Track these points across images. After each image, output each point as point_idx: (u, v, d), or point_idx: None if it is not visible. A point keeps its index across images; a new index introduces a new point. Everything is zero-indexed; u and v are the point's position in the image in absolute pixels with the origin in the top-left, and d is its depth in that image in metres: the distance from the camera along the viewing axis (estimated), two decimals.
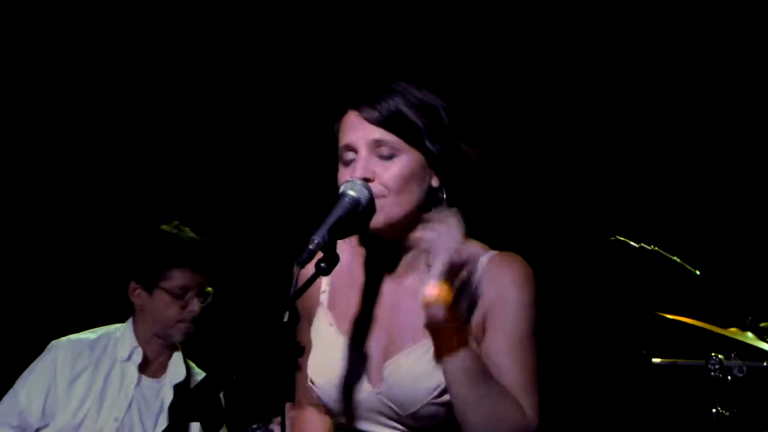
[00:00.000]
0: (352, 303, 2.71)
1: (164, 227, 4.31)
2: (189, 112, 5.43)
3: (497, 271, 2.63)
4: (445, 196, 2.66)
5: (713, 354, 4.21)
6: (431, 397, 2.61)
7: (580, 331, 5.14)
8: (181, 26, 5.39)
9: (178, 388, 4.21)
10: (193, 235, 4.30)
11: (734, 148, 5.19)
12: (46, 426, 4.22)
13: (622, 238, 4.32)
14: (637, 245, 4.31)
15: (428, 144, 2.63)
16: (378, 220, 2.62)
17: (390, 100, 2.62)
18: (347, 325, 2.70)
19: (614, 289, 5.02)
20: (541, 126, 5.27)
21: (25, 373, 4.29)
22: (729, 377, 4.21)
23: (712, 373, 4.20)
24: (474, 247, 2.55)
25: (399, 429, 2.67)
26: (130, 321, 4.33)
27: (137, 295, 4.28)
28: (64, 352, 4.27)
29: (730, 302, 4.80)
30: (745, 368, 4.21)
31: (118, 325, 4.37)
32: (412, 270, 2.67)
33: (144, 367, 4.31)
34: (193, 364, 4.41)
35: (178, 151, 5.44)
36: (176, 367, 4.33)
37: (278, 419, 3.95)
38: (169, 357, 4.34)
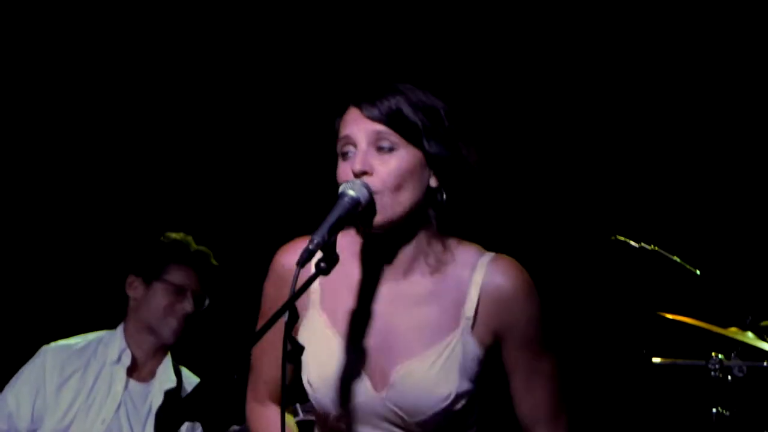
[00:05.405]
0: (349, 304, 2.68)
1: (171, 233, 4.40)
2: (190, 114, 5.42)
3: (504, 279, 2.65)
4: (444, 196, 2.66)
5: (713, 354, 4.21)
6: (444, 405, 2.61)
7: (580, 331, 5.14)
8: (179, 25, 5.38)
9: (169, 393, 4.24)
10: (195, 245, 4.41)
11: (734, 148, 5.19)
12: (35, 431, 4.24)
13: (622, 238, 4.32)
14: (637, 245, 4.31)
15: (427, 144, 2.62)
16: (379, 220, 2.61)
17: (391, 98, 2.62)
18: (345, 327, 2.67)
19: (614, 289, 5.02)
20: (541, 126, 5.27)
21: (14, 377, 4.32)
22: (729, 377, 4.20)
23: (712, 373, 4.20)
24: (470, 249, 2.66)
25: None
26: (120, 325, 4.37)
27: (135, 287, 4.33)
28: (53, 357, 4.30)
29: (730, 302, 4.80)
30: (745, 368, 4.20)
31: (108, 331, 4.40)
32: (412, 269, 2.67)
33: (133, 371, 4.33)
34: (185, 369, 4.42)
35: (176, 151, 5.43)
36: (165, 372, 4.35)
37: None
38: (159, 362, 4.36)
